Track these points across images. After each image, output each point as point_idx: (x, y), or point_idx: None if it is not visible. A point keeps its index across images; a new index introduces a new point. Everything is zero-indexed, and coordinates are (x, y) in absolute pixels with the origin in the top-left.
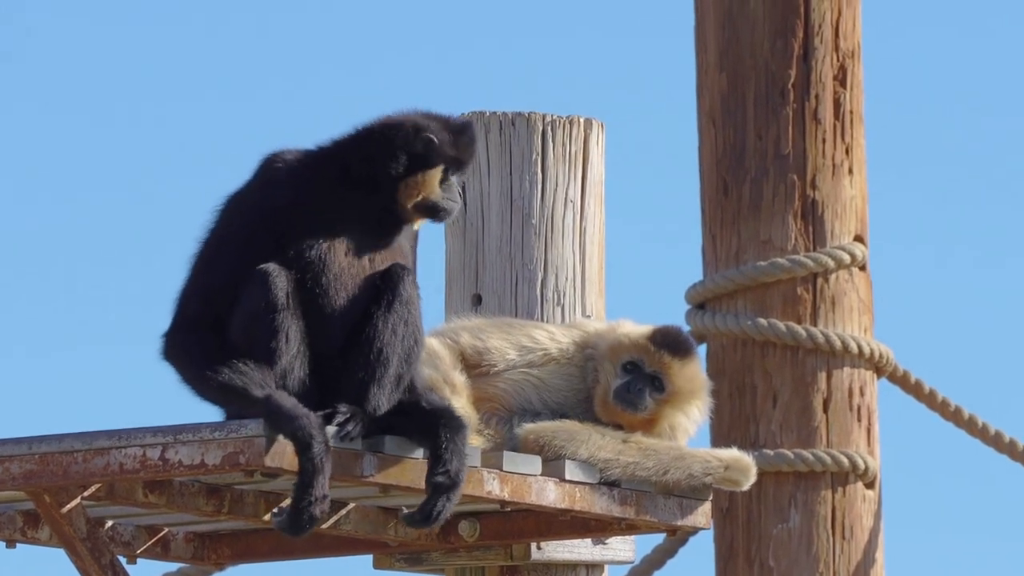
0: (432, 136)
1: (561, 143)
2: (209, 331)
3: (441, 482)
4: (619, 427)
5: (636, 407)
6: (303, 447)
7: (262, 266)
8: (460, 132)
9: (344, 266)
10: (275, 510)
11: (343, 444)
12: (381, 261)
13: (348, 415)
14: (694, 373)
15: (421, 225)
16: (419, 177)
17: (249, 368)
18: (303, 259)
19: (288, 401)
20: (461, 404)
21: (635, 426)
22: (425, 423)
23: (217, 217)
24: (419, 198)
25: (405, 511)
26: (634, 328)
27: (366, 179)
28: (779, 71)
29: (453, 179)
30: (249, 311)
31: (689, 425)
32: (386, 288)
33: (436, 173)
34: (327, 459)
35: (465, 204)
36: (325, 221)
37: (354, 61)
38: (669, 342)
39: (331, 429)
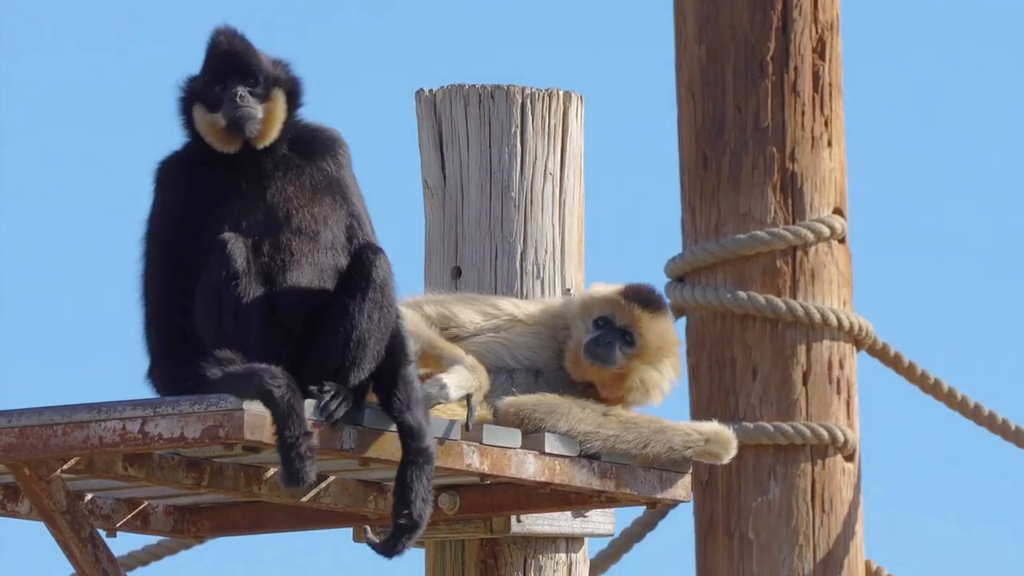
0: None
1: (540, 116)
2: (173, 352)
3: (404, 524)
4: (591, 386)
5: (606, 361)
6: (266, 396)
7: (220, 236)
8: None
9: (263, 233)
10: (276, 471)
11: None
12: (296, 215)
13: (332, 392)
14: (665, 329)
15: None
16: (198, 121)
17: (205, 359)
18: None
19: (240, 368)
20: (464, 361)
21: (606, 382)
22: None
23: (142, 245)
24: (213, 136)
25: (370, 535)
26: (606, 286)
27: (202, 144)
28: (758, 43)
29: (228, 90)
30: (212, 284)
31: (663, 383)
32: (359, 274)
33: (202, 113)
34: (295, 400)
35: (445, 177)
36: (218, 197)
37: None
38: (640, 296)
39: (310, 402)
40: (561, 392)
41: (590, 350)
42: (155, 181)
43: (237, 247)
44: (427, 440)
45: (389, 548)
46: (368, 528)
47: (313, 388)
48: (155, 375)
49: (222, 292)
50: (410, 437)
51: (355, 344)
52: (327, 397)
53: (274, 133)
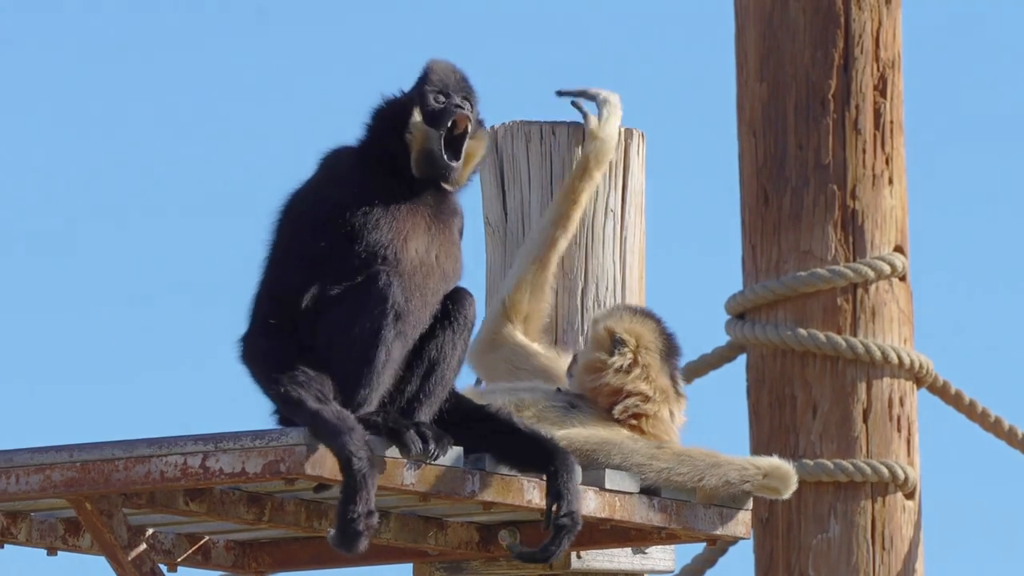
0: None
1: None
2: (282, 333)
3: (565, 524)
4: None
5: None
6: (344, 463)
7: (378, 275)
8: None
9: (417, 264)
10: (329, 529)
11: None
12: (443, 256)
13: (433, 437)
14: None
15: (450, 191)
16: (410, 128)
17: (309, 378)
18: (377, 254)
19: (336, 415)
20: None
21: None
22: (532, 453)
23: (283, 216)
24: (417, 151)
25: (510, 541)
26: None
27: (392, 152)
28: (819, 81)
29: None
30: (370, 315)
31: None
32: (456, 310)
33: (417, 119)
34: (371, 475)
35: (506, 213)
36: (389, 213)
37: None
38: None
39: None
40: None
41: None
42: (334, 166)
43: (402, 288)
44: (564, 447)
45: (547, 552)
46: (506, 536)
47: (407, 426)
48: (250, 344)
49: (383, 329)
50: (548, 442)
51: (439, 377)
52: (431, 445)
53: (467, 175)
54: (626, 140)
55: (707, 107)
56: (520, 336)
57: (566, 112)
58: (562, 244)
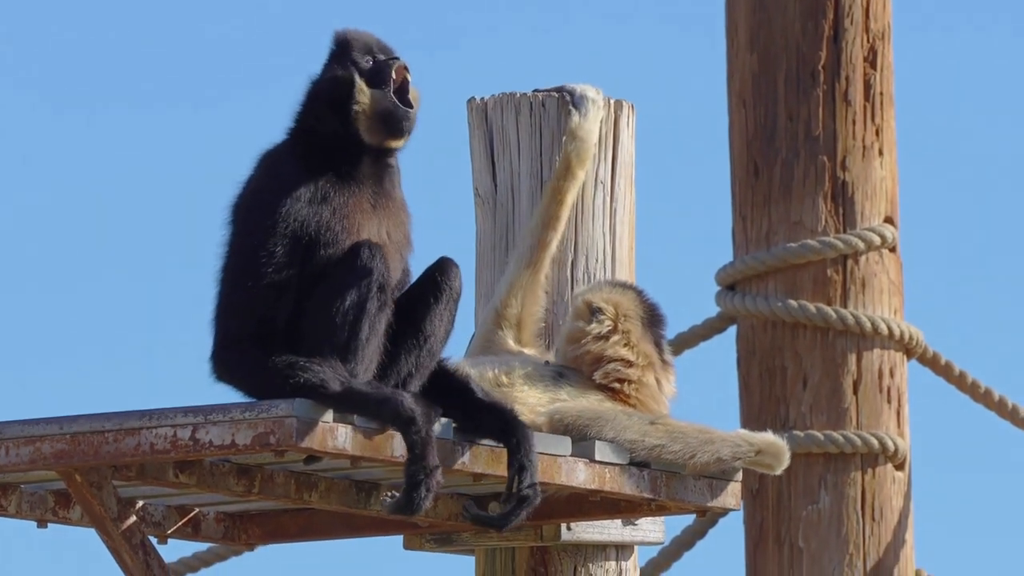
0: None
1: None
2: (256, 342)
3: (528, 495)
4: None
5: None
6: (405, 424)
7: (372, 241)
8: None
9: (375, 240)
10: (387, 495)
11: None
12: (393, 228)
13: (421, 410)
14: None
15: (398, 148)
16: (356, 98)
17: (316, 364)
18: (336, 245)
19: (370, 385)
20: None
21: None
22: (493, 422)
23: (235, 227)
24: (370, 116)
25: (476, 510)
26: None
27: (332, 133)
28: (809, 52)
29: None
30: (355, 290)
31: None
32: (443, 281)
33: (361, 85)
34: (432, 430)
35: (495, 185)
36: (337, 211)
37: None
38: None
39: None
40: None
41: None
42: (273, 168)
43: (386, 256)
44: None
45: (506, 520)
46: (468, 505)
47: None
48: (224, 359)
49: (367, 302)
50: (506, 412)
51: (429, 350)
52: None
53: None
54: (615, 111)
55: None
56: (511, 343)
57: (554, 83)
58: (553, 245)
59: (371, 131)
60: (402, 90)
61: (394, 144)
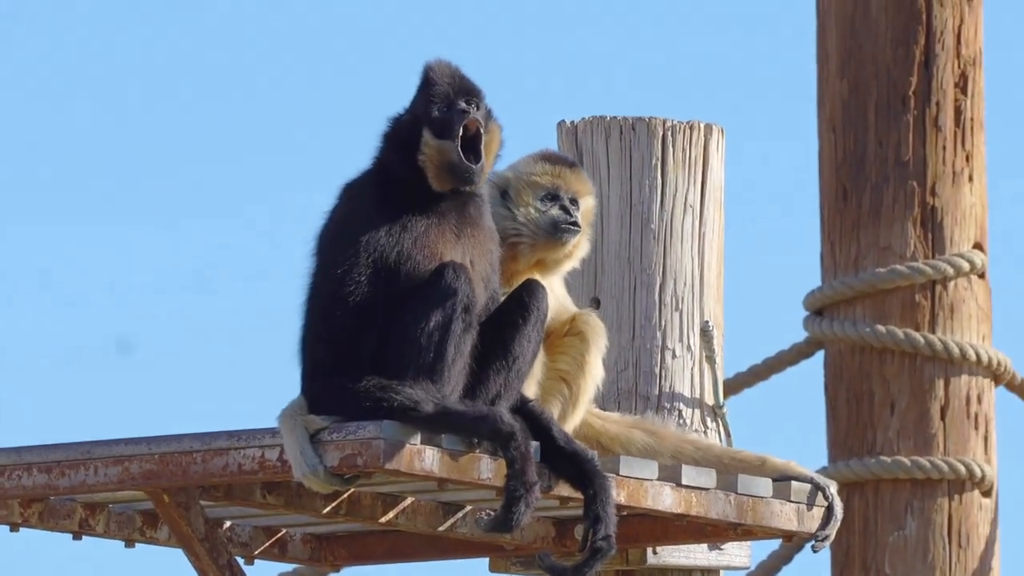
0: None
1: (681, 148)
2: (344, 369)
3: (602, 547)
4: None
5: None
6: (506, 439)
7: (455, 262)
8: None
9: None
10: (482, 515)
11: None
12: (479, 258)
13: (519, 429)
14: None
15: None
16: (422, 150)
17: (407, 386)
18: (419, 272)
19: (462, 405)
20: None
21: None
22: (571, 469)
23: (318, 258)
24: (436, 167)
25: (554, 560)
26: (518, 163)
27: (405, 174)
28: (900, 78)
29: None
30: (440, 312)
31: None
32: (530, 303)
33: (428, 138)
34: (530, 446)
35: None
36: (418, 241)
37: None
38: (569, 161)
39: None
40: None
41: (561, 227)
42: (357, 199)
43: (470, 278)
44: (599, 465)
45: (580, 571)
46: (543, 555)
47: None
48: (316, 390)
49: (452, 322)
50: (586, 460)
51: (517, 371)
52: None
53: (488, 170)
54: (705, 135)
55: (787, 103)
56: None
57: (644, 107)
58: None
59: (438, 179)
60: (470, 141)
61: (464, 189)
